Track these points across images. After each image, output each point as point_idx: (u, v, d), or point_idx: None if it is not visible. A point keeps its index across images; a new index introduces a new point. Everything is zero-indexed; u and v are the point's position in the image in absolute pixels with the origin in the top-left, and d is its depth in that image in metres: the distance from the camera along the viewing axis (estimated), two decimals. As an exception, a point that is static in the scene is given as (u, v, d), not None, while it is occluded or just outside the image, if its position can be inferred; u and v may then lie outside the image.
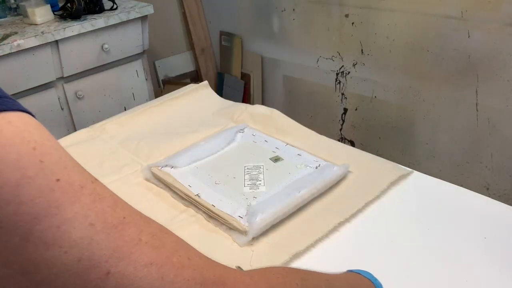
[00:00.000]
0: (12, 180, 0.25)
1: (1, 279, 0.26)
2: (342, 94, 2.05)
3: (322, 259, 0.80)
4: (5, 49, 1.59)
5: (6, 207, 0.25)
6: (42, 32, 1.70)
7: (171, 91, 1.42)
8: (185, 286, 0.30)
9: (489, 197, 0.92)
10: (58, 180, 0.27)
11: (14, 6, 1.96)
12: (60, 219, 0.26)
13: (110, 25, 1.87)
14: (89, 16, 1.86)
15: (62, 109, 1.86)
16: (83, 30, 1.79)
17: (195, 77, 2.67)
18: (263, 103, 2.44)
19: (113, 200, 0.30)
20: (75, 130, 1.75)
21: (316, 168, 1.00)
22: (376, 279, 0.51)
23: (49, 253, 0.26)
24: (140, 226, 0.30)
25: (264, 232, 0.84)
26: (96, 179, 0.30)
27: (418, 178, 0.99)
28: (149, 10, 1.98)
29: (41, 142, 0.27)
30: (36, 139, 0.27)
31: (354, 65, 1.95)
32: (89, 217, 0.27)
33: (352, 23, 1.88)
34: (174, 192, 0.96)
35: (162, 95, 1.46)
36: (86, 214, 0.27)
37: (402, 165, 1.02)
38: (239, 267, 0.65)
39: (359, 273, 0.52)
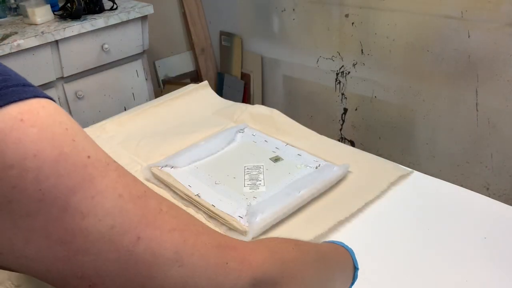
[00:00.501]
0: (51, 157, 0.28)
1: (40, 251, 0.28)
2: (342, 94, 2.05)
3: (322, 259, 0.80)
4: (5, 49, 1.59)
5: (46, 181, 0.27)
6: (42, 32, 1.70)
7: (171, 91, 1.42)
8: (204, 249, 0.34)
9: (489, 197, 0.92)
10: (89, 157, 0.30)
11: (14, 6, 1.96)
12: (93, 191, 0.29)
13: (110, 25, 1.87)
14: (89, 16, 1.86)
15: (62, 109, 1.86)
16: (83, 30, 1.79)
17: (195, 77, 2.67)
18: (263, 103, 2.44)
19: (133, 177, 0.33)
20: (75, 130, 1.75)
21: (316, 168, 1.00)
22: (350, 249, 0.57)
23: (85, 222, 0.29)
24: (159, 199, 0.34)
25: (264, 232, 0.84)
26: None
27: (418, 178, 0.98)
28: (149, 10, 1.98)
29: (71, 124, 0.30)
30: (66, 121, 0.30)
31: (354, 65, 1.95)
32: (117, 189, 0.31)
33: (352, 23, 1.88)
34: (174, 192, 0.96)
35: (162, 95, 1.46)
36: (115, 186, 0.31)
37: (402, 165, 1.02)
38: None
39: (335, 243, 0.58)
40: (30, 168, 0.27)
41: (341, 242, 0.57)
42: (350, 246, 0.81)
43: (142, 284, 0.31)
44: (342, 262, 0.54)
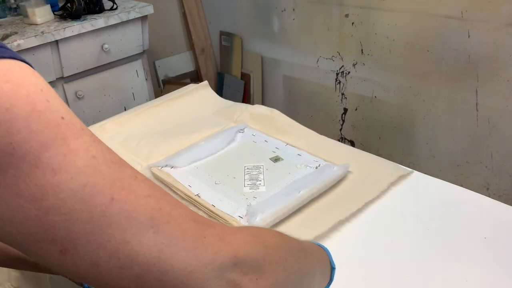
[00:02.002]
0: (23, 112, 0.28)
1: (10, 209, 0.28)
2: (342, 94, 2.05)
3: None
4: (5, 49, 1.59)
5: (17, 134, 0.27)
6: (42, 32, 1.70)
7: (171, 91, 1.42)
8: (181, 219, 0.33)
9: (489, 197, 0.92)
10: (63, 118, 0.30)
11: (14, 6, 1.96)
12: (66, 149, 0.29)
13: (110, 25, 1.87)
14: (89, 16, 1.86)
15: (62, 109, 1.86)
16: (83, 30, 1.79)
17: (195, 77, 2.67)
18: (263, 103, 2.43)
19: (109, 148, 0.32)
20: (75, 130, 1.75)
21: (316, 168, 1.00)
22: (327, 248, 0.56)
23: (56, 179, 0.28)
24: (134, 169, 0.33)
25: (264, 232, 0.84)
26: None
27: (418, 178, 0.98)
28: (149, 10, 1.98)
29: (46, 87, 0.30)
30: (41, 83, 0.30)
31: (354, 65, 1.95)
32: (91, 151, 0.30)
33: (352, 23, 1.88)
34: (174, 192, 0.96)
35: (162, 95, 1.46)
36: (88, 148, 0.30)
37: (402, 165, 1.02)
38: None
39: (311, 242, 0.57)
40: (2, 120, 0.27)
41: (317, 243, 0.57)
42: (350, 246, 0.81)
43: (115, 250, 0.30)
44: (321, 258, 0.53)
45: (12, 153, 0.27)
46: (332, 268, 0.55)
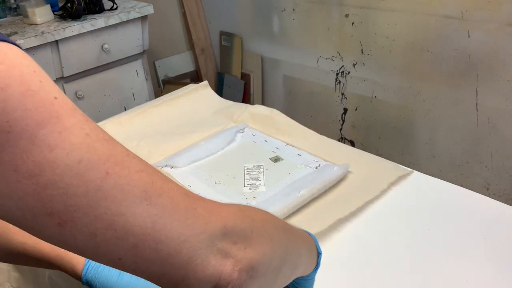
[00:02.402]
0: (18, 91, 0.29)
1: (9, 185, 0.29)
2: (342, 94, 2.05)
3: (322, 259, 0.80)
4: (5, 49, 1.59)
5: (13, 113, 0.28)
6: (42, 32, 1.70)
7: (171, 91, 1.42)
8: (173, 192, 0.35)
9: (489, 197, 0.92)
10: (56, 97, 0.31)
11: (14, 6, 1.96)
12: (60, 127, 0.30)
13: (110, 25, 1.87)
14: (89, 16, 1.86)
15: (62, 109, 1.86)
16: (83, 30, 1.79)
17: (195, 77, 2.67)
18: (263, 103, 2.43)
19: (99, 126, 0.34)
20: (75, 130, 1.75)
21: (316, 168, 1.00)
22: (313, 235, 0.58)
23: (52, 155, 0.29)
24: (124, 147, 0.35)
25: (264, 232, 0.84)
26: None
27: (418, 178, 0.98)
28: (149, 10, 1.98)
29: (38, 69, 0.32)
30: (34, 65, 0.31)
31: (354, 65, 1.95)
32: (84, 129, 0.32)
33: (352, 23, 1.88)
34: (174, 192, 0.96)
35: (162, 95, 1.46)
36: (82, 127, 0.31)
37: (402, 165, 1.02)
38: None
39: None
40: None
41: (304, 229, 0.57)
42: (350, 246, 0.81)
43: (111, 222, 0.31)
44: (308, 241, 0.54)
45: (9, 131, 0.28)
46: (319, 254, 0.56)
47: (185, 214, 0.35)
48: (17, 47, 0.31)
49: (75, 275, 0.58)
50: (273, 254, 0.41)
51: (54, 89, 0.31)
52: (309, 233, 0.57)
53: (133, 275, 0.56)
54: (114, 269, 0.54)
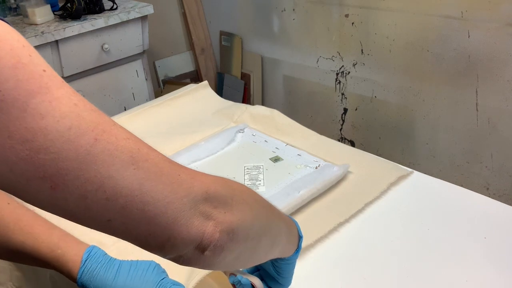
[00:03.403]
0: (9, 63, 0.31)
1: (3, 150, 0.31)
2: (342, 94, 2.05)
3: (321, 260, 0.80)
4: (5, 49, 1.59)
5: (6, 83, 0.30)
6: (42, 32, 1.70)
7: (171, 91, 1.42)
8: (157, 159, 0.37)
9: (489, 197, 0.92)
10: (44, 70, 0.33)
11: (14, 6, 1.96)
12: (50, 97, 0.32)
13: (110, 25, 1.87)
14: (89, 16, 1.86)
15: (62, 109, 1.86)
16: (83, 30, 1.79)
17: (195, 77, 2.67)
18: (263, 103, 2.44)
19: (85, 98, 0.36)
20: (75, 130, 1.75)
21: (316, 168, 1.00)
22: (295, 220, 0.60)
23: (44, 122, 0.31)
24: (110, 118, 0.36)
25: (264, 232, 0.84)
26: None
27: (418, 178, 0.98)
28: (149, 10, 1.98)
29: (27, 44, 0.33)
30: (23, 40, 0.33)
31: (354, 65, 1.95)
32: (73, 100, 0.33)
33: (352, 23, 1.88)
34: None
35: (162, 95, 1.46)
36: (70, 97, 0.33)
37: (402, 165, 1.02)
38: None
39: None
40: None
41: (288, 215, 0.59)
42: (350, 246, 0.81)
43: (101, 184, 0.33)
44: (288, 221, 0.56)
45: (2, 99, 0.30)
46: (300, 237, 0.59)
47: (169, 178, 0.37)
48: (6, 23, 0.33)
49: (71, 278, 0.59)
50: (252, 222, 0.44)
51: (42, 63, 0.33)
52: (290, 217, 0.59)
53: (127, 277, 0.56)
54: (109, 272, 0.56)
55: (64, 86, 0.34)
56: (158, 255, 0.39)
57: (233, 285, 0.59)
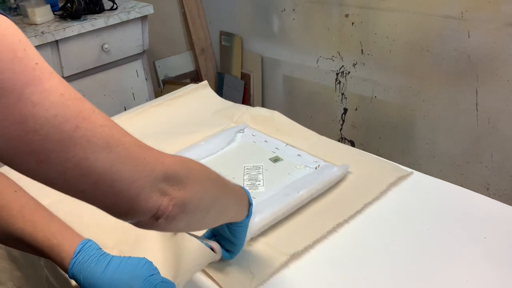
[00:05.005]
0: (7, 57, 0.36)
1: (0, 129, 0.37)
2: (342, 94, 2.05)
3: (321, 260, 0.80)
4: (5, 49, 1.59)
5: (4, 73, 0.36)
6: (42, 32, 1.70)
7: (171, 91, 1.42)
8: (128, 144, 0.44)
9: (489, 197, 0.92)
10: (37, 63, 0.38)
11: (14, 6, 1.96)
12: (41, 88, 0.38)
13: (110, 25, 1.87)
14: (89, 16, 1.86)
15: (62, 109, 1.86)
16: (83, 30, 1.79)
17: (195, 77, 2.67)
18: (263, 103, 2.43)
19: (71, 86, 0.41)
20: (75, 130, 1.75)
21: (316, 168, 1.00)
22: (246, 189, 0.70)
23: (35, 109, 0.37)
24: (91, 104, 0.42)
25: (263, 233, 0.84)
26: None
27: (418, 178, 0.98)
28: (149, 10, 1.98)
29: (23, 37, 0.38)
30: (20, 34, 0.38)
31: (354, 65, 1.94)
32: (59, 90, 0.39)
33: (352, 23, 1.88)
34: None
35: (162, 95, 1.46)
36: (58, 88, 0.39)
37: (402, 165, 1.02)
38: None
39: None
40: None
41: (239, 185, 0.69)
42: (350, 247, 0.81)
43: (78, 162, 0.40)
44: (239, 192, 0.66)
45: (1, 87, 0.36)
46: (250, 204, 0.69)
47: (136, 161, 0.44)
48: (6, 18, 0.38)
49: (63, 268, 0.60)
50: (202, 197, 0.52)
51: (35, 56, 0.39)
52: (243, 188, 0.69)
53: (116, 271, 0.58)
54: (99, 265, 0.59)
55: (53, 77, 0.39)
56: (121, 219, 0.46)
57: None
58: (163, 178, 0.46)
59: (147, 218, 0.46)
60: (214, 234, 0.74)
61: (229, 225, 0.68)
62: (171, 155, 0.50)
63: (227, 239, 0.72)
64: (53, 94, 0.38)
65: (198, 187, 0.52)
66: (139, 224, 0.48)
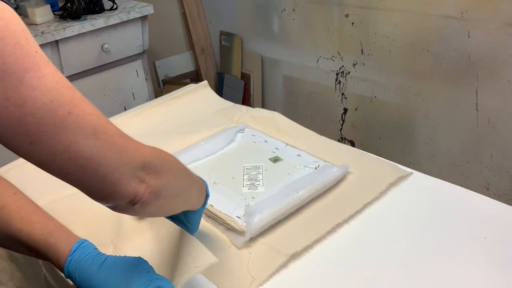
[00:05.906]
0: (11, 43, 0.40)
1: (1, 108, 0.40)
2: (342, 94, 2.05)
3: (320, 261, 0.80)
4: (5, 49, 1.59)
5: (8, 57, 0.39)
6: (42, 32, 1.70)
7: (171, 91, 1.42)
8: (112, 132, 0.48)
9: (489, 197, 0.92)
10: (36, 52, 0.42)
11: (14, 6, 1.96)
12: (40, 74, 0.41)
13: (110, 25, 1.87)
14: (89, 16, 1.86)
15: (62, 109, 1.86)
16: (83, 30, 1.79)
17: (195, 77, 2.67)
18: (263, 103, 2.43)
19: (63, 75, 0.45)
20: (75, 130, 1.75)
21: (316, 168, 1.00)
22: (206, 182, 0.76)
23: (34, 93, 0.41)
24: (81, 94, 0.46)
25: (262, 233, 0.84)
26: None
27: (418, 178, 0.98)
28: (149, 10, 1.98)
29: (25, 27, 0.42)
30: (22, 24, 0.42)
31: (354, 65, 1.94)
32: (56, 77, 0.43)
33: (352, 23, 1.88)
34: (174, 192, 0.96)
35: (162, 95, 1.46)
36: (54, 75, 0.43)
37: (402, 165, 1.02)
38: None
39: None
40: None
41: (199, 176, 0.74)
42: (350, 247, 0.81)
43: (68, 146, 0.43)
44: (200, 183, 0.72)
45: (4, 70, 0.39)
46: (207, 196, 0.75)
47: (119, 148, 0.48)
48: (9, 6, 0.41)
49: (59, 266, 0.61)
50: (174, 185, 0.58)
51: (35, 45, 0.42)
52: (202, 179, 0.74)
53: (111, 270, 0.59)
54: (94, 264, 0.60)
55: (50, 65, 0.43)
56: (100, 203, 0.50)
57: None
58: (141, 166, 0.50)
59: (124, 203, 0.50)
60: (172, 218, 0.79)
61: (185, 213, 0.74)
62: (148, 146, 0.54)
63: (183, 223, 0.77)
64: (50, 81, 0.42)
65: (171, 176, 0.56)
66: (116, 208, 0.51)
